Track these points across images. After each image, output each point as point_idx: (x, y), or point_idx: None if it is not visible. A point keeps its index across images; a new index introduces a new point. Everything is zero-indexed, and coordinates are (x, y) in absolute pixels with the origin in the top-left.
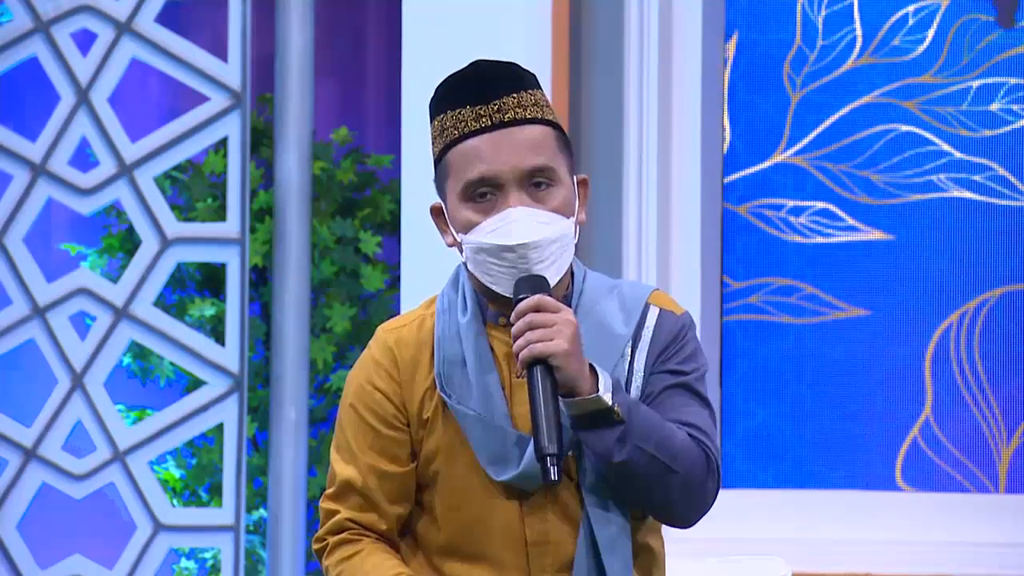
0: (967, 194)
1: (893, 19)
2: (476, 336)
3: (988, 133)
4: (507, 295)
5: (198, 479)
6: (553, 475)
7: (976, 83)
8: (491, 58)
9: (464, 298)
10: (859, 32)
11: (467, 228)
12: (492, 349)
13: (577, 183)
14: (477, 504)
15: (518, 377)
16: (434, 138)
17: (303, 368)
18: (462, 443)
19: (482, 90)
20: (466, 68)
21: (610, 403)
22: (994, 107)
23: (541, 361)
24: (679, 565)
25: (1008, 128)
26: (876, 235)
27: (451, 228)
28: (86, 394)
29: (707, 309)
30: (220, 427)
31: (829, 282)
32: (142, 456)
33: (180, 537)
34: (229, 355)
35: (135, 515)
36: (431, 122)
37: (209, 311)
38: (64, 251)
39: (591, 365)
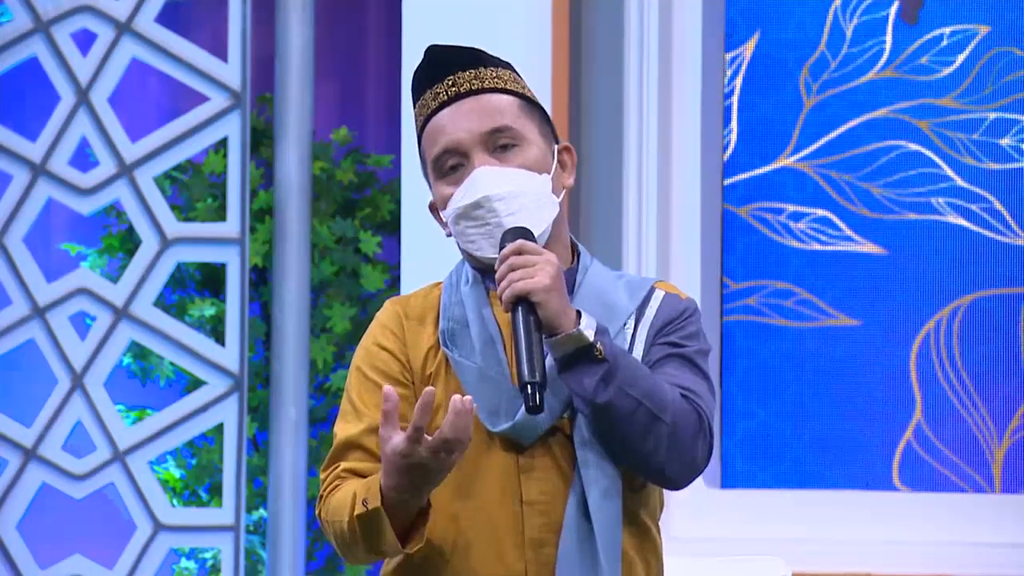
0: (961, 221)
1: (927, 37)
2: (478, 302)
3: (993, 166)
4: (491, 257)
5: (198, 479)
6: (533, 401)
7: (993, 115)
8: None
9: (467, 273)
10: (888, 45)
11: (446, 203)
12: (495, 317)
13: (559, 150)
14: (474, 460)
15: (505, 311)
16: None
17: (303, 368)
18: None
19: (435, 71)
20: (423, 57)
21: (592, 340)
22: (1004, 142)
23: (524, 299)
24: (679, 565)
25: (1013, 165)
26: (870, 248)
27: (440, 214)
28: (86, 394)
29: (707, 309)
30: (220, 427)
31: (823, 289)
32: (142, 456)
33: (180, 537)
34: (229, 355)
35: (135, 515)
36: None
37: (209, 311)
38: (64, 251)
39: (578, 311)
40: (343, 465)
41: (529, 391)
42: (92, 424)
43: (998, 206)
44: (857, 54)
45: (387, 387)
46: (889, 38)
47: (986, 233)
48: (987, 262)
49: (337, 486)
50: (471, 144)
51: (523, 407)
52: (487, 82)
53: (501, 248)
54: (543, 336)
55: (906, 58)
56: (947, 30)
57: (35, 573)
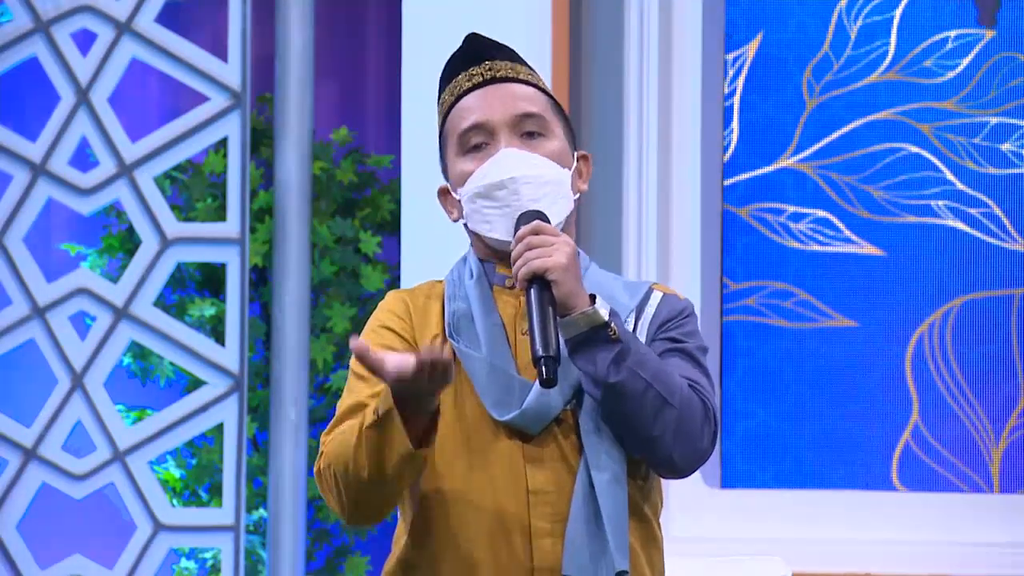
0: (960, 225)
1: (931, 40)
2: (482, 297)
3: (993, 171)
4: (505, 239)
5: (198, 479)
6: (546, 374)
7: (995, 120)
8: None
9: (471, 267)
10: (892, 47)
11: (464, 180)
12: (499, 311)
13: (577, 157)
14: (481, 450)
15: (519, 288)
16: (438, 118)
17: (303, 368)
18: (468, 391)
19: (474, 54)
20: (462, 42)
21: (606, 319)
22: (1005, 147)
23: (539, 278)
24: (679, 565)
25: (1013, 171)
26: (869, 249)
27: (453, 195)
28: (86, 394)
29: (707, 309)
30: (220, 427)
31: (823, 290)
32: (142, 456)
33: (180, 537)
34: (229, 355)
35: (135, 515)
36: (437, 105)
37: (209, 311)
38: (64, 251)
39: (591, 294)
40: (345, 424)
41: (543, 365)
42: (92, 424)
43: (997, 211)
44: (860, 56)
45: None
46: (893, 41)
47: (984, 238)
48: (985, 266)
49: (336, 436)
50: (500, 124)
51: (529, 395)
52: (522, 75)
53: (516, 230)
54: (557, 316)
55: (909, 61)
56: (952, 34)
57: (35, 573)
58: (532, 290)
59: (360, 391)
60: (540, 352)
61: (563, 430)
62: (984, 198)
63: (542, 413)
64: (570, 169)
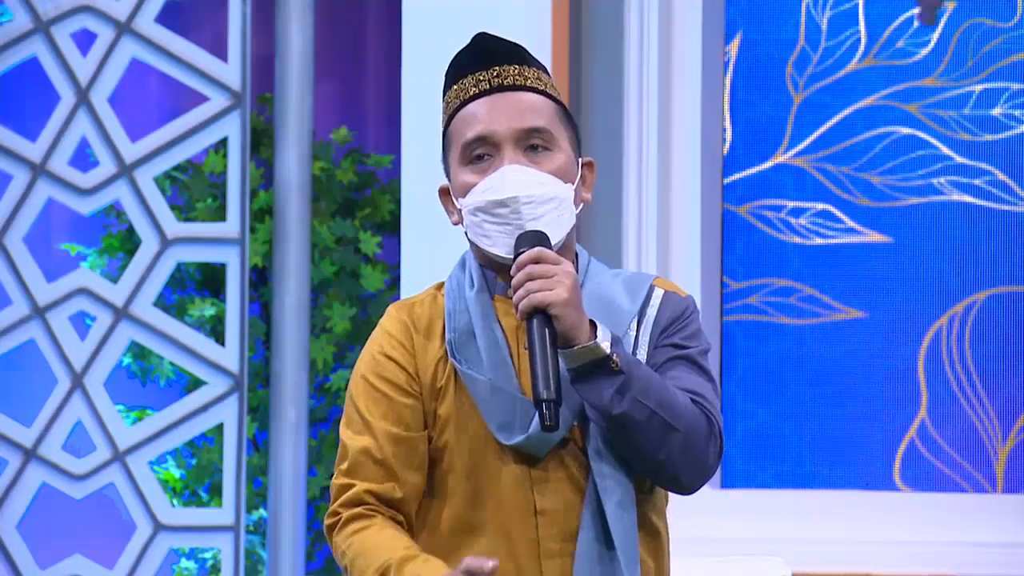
0: (966, 198)
1: (898, 22)
2: (483, 309)
3: (989, 138)
4: (504, 256)
5: (198, 479)
6: (548, 419)
7: (979, 87)
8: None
9: (471, 275)
10: (863, 34)
11: (465, 192)
12: (500, 322)
13: (582, 164)
14: (487, 472)
15: (520, 320)
16: (443, 116)
17: (303, 368)
18: (473, 412)
19: (483, 58)
20: (470, 41)
21: (608, 352)
22: (996, 112)
23: (540, 311)
24: (679, 565)
25: (1009, 133)
26: (875, 237)
27: (455, 200)
28: (86, 394)
29: (707, 309)
30: (220, 427)
31: (828, 284)
32: (142, 456)
33: (180, 537)
34: (229, 355)
35: (135, 515)
36: (442, 102)
37: (209, 311)
38: (64, 251)
39: (591, 320)
40: (360, 485)
41: (544, 409)
42: (92, 424)
43: (1001, 176)
44: (836, 46)
45: (492, 563)
46: (863, 27)
47: (993, 205)
48: (999, 239)
49: (362, 517)
50: (505, 138)
51: (533, 420)
52: (530, 81)
53: (516, 250)
54: (558, 347)
55: (883, 44)
56: (916, 11)
57: (35, 573)
58: (534, 323)
59: (365, 435)
60: (542, 396)
61: (569, 451)
62: (986, 166)
63: (547, 437)
64: (574, 183)
